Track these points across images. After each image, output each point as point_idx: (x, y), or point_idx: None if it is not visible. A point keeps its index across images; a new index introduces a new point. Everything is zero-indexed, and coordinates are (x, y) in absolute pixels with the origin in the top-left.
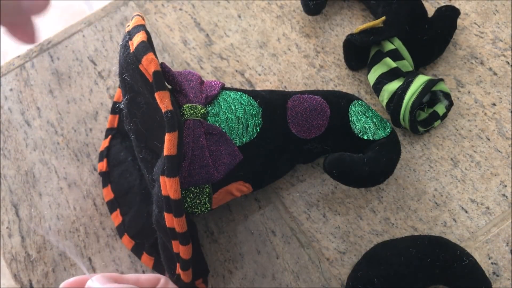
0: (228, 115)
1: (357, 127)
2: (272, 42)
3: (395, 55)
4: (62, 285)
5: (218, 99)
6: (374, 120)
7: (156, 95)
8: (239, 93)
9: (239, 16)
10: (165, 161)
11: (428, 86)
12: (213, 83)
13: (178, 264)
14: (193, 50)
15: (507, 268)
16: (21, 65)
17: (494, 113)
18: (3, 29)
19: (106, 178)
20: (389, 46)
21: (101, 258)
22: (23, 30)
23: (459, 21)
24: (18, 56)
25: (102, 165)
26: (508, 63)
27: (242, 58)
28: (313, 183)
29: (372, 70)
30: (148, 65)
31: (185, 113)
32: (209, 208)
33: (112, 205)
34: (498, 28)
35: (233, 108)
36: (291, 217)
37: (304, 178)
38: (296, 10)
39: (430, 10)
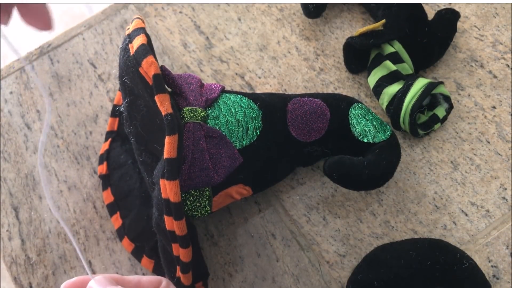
0: (228, 118)
1: (357, 130)
2: (272, 45)
3: (395, 58)
4: (63, 285)
5: (218, 102)
6: (374, 123)
7: (156, 98)
8: (239, 96)
9: (239, 19)
10: (165, 164)
11: (428, 89)
12: (213, 86)
13: (178, 267)
14: (193, 53)
15: (507, 271)
16: (21, 68)
17: (494, 116)
18: (18, 16)
19: (106, 181)
20: (389, 49)
21: (101, 261)
22: (38, 16)
23: (459, 24)
24: (18, 59)
25: (102, 168)
26: (508, 66)
27: (242, 61)
28: (313, 186)
29: (372, 73)
30: (148, 68)
31: (185, 116)
32: (209, 211)
33: (112, 208)
34: (498, 31)
35: (233, 111)
36: (291, 220)
37: (304, 181)
38: (296, 13)
39: (430, 13)
